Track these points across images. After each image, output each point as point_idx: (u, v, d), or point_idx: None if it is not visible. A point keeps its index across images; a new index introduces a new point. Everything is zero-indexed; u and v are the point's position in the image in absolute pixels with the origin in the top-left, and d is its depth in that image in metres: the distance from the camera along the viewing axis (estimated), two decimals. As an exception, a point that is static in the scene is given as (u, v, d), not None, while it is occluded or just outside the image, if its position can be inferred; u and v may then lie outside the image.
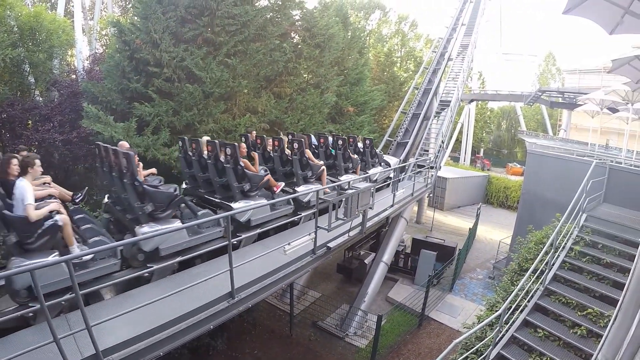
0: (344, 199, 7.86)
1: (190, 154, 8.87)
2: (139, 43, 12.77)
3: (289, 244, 7.52)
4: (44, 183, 6.45)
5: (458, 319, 13.32)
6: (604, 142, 27.59)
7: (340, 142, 11.39)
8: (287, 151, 9.95)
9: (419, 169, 16.45)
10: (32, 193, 5.06)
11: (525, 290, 7.45)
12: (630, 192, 11.08)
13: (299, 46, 17.50)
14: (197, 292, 5.50)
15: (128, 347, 4.51)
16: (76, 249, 5.37)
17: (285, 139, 10.38)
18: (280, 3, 16.21)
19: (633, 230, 8.60)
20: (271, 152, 10.12)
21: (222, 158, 8.03)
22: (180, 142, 9.27)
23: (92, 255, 5.30)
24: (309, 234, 7.85)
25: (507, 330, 7.10)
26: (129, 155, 6.34)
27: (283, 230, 8.64)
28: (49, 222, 5.11)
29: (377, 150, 14.95)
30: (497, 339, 6.76)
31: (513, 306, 7.04)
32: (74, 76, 17.73)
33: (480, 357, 6.64)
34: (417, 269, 16.23)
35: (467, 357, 6.75)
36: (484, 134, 57.57)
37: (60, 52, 17.09)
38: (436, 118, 21.72)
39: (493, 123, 59.77)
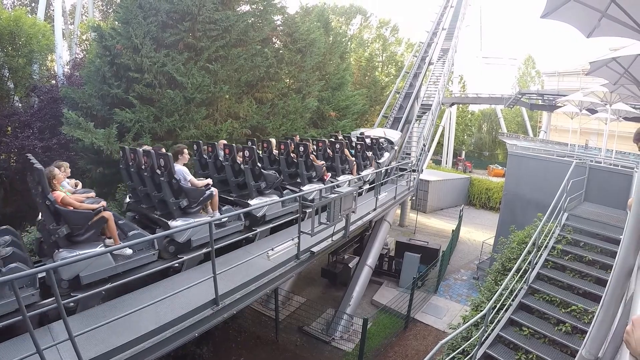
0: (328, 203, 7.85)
1: (130, 164, 8.18)
2: (120, 48, 12.60)
3: (272, 249, 7.46)
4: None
5: (444, 320, 13.39)
6: (583, 143, 28.21)
7: (301, 148, 10.55)
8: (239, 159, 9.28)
9: (402, 172, 16.51)
10: None
11: (509, 290, 7.51)
12: (609, 191, 11.36)
13: (281, 51, 17.48)
14: (181, 300, 5.42)
15: (112, 358, 4.41)
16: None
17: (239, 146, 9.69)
18: (262, 8, 16.18)
19: (614, 228, 8.75)
20: (223, 160, 9.36)
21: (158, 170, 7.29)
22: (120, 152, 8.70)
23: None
24: (292, 239, 7.80)
25: (492, 330, 7.15)
26: (167, 155, 6.68)
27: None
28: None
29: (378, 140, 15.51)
30: (483, 339, 6.81)
31: (498, 305, 7.09)
32: (53, 82, 17.44)
33: (467, 357, 6.67)
34: (401, 271, 16.25)
35: (453, 357, 6.78)
36: (465, 137, 58.39)
37: (40, 57, 16.81)
38: (418, 122, 21.91)
39: (474, 126, 60.64)
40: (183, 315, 5.24)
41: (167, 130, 12.94)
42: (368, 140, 15.74)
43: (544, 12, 5.11)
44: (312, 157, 10.05)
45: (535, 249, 8.05)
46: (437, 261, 16.50)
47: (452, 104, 43.28)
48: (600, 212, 10.15)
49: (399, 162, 17.73)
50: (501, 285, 7.34)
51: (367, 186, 13.12)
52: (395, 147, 17.43)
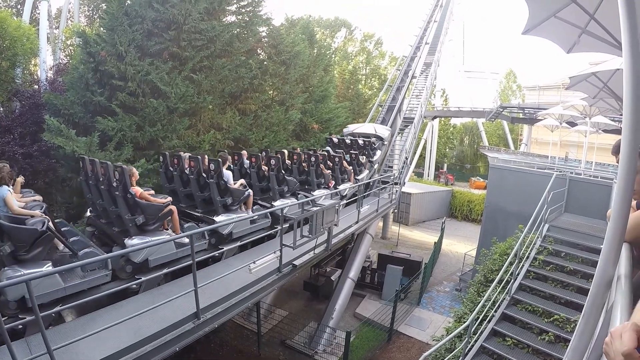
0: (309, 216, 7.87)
1: (90, 175, 7.92)
2: (104, 55, 12.44)
3: (254, 262, 7.40)
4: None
5: (427, 332, 13.37)
6: (563, 155, 28.78)
7: (273, 161, 10.40)
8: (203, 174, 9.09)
9: (384, 185, 16.59)
10: None
11: (492, 301, 7.58)
12: (589, 202, 11.69)
13: (265, 63, 17.51)
14: (162, 313, 5.31)
15: (90, 372, 4.27)
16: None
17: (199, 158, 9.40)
18: (248, 19, 16.24)
19: (594, 238, 8.97)
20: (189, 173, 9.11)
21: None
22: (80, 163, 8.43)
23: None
24: (274, 252, 7.74)
25: (476, 341, 7.18)
26: (123, 168, 6.29)
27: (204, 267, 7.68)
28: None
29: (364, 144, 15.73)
30: (467, 350, 6.82)
31: (481, 317, 7.14)
32: (36, 86, 17.07)
33: (451, 369, 6.66)
34: (384, 284, 16.24)
35: (437, 369, 6.76)
36: (447, 150, 59.15)
37: (23, 61, 16.53)
38: (400, 135, 22.09)
39: (456, 139, 61.53)
40: (164, 329, 5.14)
41: (149, 140, 12.77)
42: (361, 142, 16.35)
43: (525, 28, 5.22)
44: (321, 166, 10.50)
45: (517, 260, 8.16)
46: (420, 273, 16.53)
47: (435, 117, 43.91)
48: (581, 223, 10.40)
49: (381, 175, 17.84)
50: (484, 296, 7.39)
51: (344, 201, 12.93)
52: (385, 143, 17.93)
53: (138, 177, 7.14)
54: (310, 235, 8.01)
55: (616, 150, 4.07)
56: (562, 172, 12.98)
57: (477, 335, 7.26)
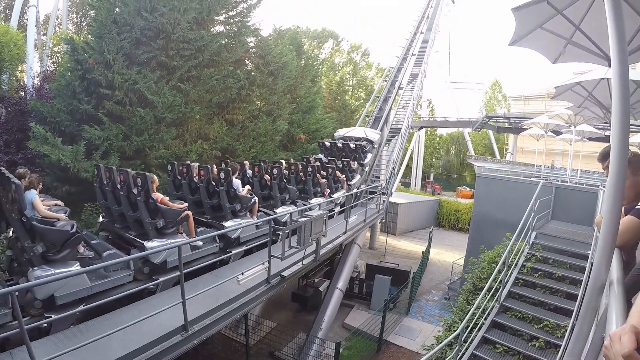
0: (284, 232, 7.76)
1: (105, 183, 8.16)
2: (92, 63, 12.36)
3: (242, 273, 7.31)
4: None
5: (417, 341, 13.33)
6: (549, 163, 29.20)
7: (275, 171, 10.84)
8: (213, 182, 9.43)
9: (371, 196, 16.63)
10: None
11: (481, 309, 7.60)
12: (576, 209, 11.92)
13: (252, 73, 17.53)
14: (149, 326, 5.19)
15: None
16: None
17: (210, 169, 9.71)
18: (236, 29, 16.28)
19: (581, 244, 9.13)
20: (198, 182, 9.44)
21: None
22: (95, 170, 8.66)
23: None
24: (263, 263, 7.67)
25: (466, 349, 7.17)
26: (17, 185, 5.74)
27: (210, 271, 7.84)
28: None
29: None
30: (458, 358, 6.80)
31: (471, 325, 7.14)
32: (22, 93, 16.82)
33: (443, 378, 6.64)
34: (372, 294, 16.20)
35: (429, 378, 6.72)
36: (434, 160, 59.64)
37: (10, 67, 16.33)
38: (387, 145, 22.19)
39: (442, 149, 62.11)
40: (152, 341, 5.04)
41: (136, 150, 12.66)
42: (352, 145, 16.58)
43: (512, 39, 5.29)
44: (317, 176, 10.62)
45: (505, 268, 8.22)
46: (408, 283, 16.52)
47: (421, 128, 44.23)
48: (568, 230, 10.59)
49: (368, 185, 17.88)
50: (473, 304, 7.41)
51: (338, 208, 13.14)
52: (376, 146, 18.22)
53: (158, 183, 7.45)
54: (298, 246, 7.97)
55: (602, 158, 4.15)
56: (549, 180, 13.17)
57: (467, 344, 7.25)
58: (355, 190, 14.59)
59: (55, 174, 11.79)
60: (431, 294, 18.10)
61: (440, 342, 7.09)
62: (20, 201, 5.49)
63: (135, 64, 12.95)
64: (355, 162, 15.93)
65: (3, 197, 6.84)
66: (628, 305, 1.88)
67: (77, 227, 5.88)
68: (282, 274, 7.96)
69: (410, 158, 46.71)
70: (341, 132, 19.66)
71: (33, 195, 5.94)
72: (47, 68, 22.01)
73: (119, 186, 7.55)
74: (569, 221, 11.65)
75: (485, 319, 7.77)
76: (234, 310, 6.56)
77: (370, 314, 14.63)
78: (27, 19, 24.75)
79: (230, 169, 8.87)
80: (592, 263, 7.45)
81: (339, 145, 17.67)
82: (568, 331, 6.68)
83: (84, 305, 5.35)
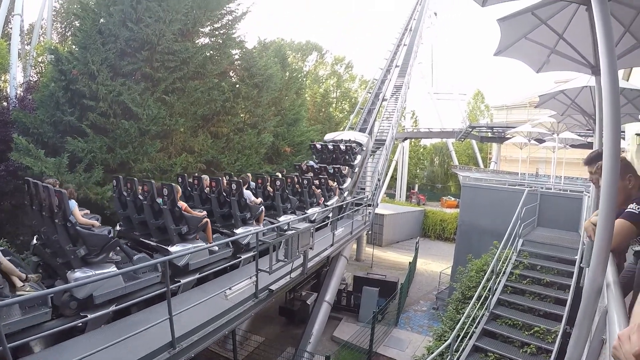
0: (284, 240, 7.83)
1: (125, 194, 8.43)
2: (76, 73, 12.19)
3: (230, 288, 7.23)
4: None
5: (407, 352, 13.27)
6: (533, 171, 29.60)
7: (278, 182, 11.30)
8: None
9: (357, 207, 16.64)
10: None
11: (471, 318, 7.59)
12: (561, 215, 12.14)
13: (237, 86, 17.50)
14: (135, 343, 5.02)
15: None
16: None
17: (224, 179, 10.21)
18: (221, 42, 16.27)
19: (567, 249, 9.28)
20: (208, 193, 9.85)
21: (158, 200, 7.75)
22: (114, 182, 8.90)
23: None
24: (250, 277, 7.58)
25: (458, 358, 7.14)
26: (62, 193, 5.96)
27: (223, 274, 8.26)
28: None
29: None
30: (449, 368, 6.76)
31: (461, 334, 7.11)
32: (5, 104, 16.45)
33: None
34: (360, 306, 16.13)
35: (421, 389, 6.68)
36: (418, 170, 60.08)
37: (-7, 76, 15.92)
38: (372, 157, 22.29)
39: (426, 159, 62.62)
40: (139, 359, 4.89)
41: (120, 163, 12.48)
42: (343, 147, 17.31)
43: (497, 50, 5.36)
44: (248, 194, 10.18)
45: (494, 276, 8.25)
46: (396, 294, 16.49)
47: (405, 139, 44.62)
48: (554, 236, 10.74)
49: (354, 197, 17.90)
50: (463, 313, 7.41)
51: (332, 215, 13.29)
52: (364, 149, 18.62)
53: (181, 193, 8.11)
54: (286, 260, 7.93)
55: (589, 162, 4.22)
56: (533, 188, 13.36)
57: (459, 353, 7.24)
58: (346, 196, 14.66)
59: (37, 187, 11.52)
60: (419, 304, 18.08)
61: (432, 353, 7.06)
62: (65, 208, 5.88)
63: (119, 75, 12.83)
64: (346, 167, 16.19)
65: (34, 205, 7.08)
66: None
67: (113, 231, 6.60)
68: (270, 287, 7.86)
69: (395, 169, 46.98)
70: (330, 136, 19.99)
71: (73, 204, 6.37)
72: (31, 78, 21.63)
73: (140, 196, 7.97)
74: (555, 227, 11.84)
75: (476, 327, 7.78)
76: (223, 325, 6.44)
77: (359, 326, 14.55)
78: (11, 28, 24.36)
79: (241, 180, 9.53)
80: (580, 268, 7.63)
81: (330, 147, 17.97)
82: (559, 336, 6.72)
83: (115, 306, 5.64)
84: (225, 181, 9.77)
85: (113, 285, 5.85)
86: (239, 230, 8.99)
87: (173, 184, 7.73)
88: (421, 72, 46.23)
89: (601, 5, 2.48)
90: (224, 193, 9.49)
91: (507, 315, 7.94)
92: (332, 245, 11.81)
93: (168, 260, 5.57)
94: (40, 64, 26.71)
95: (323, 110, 33.15)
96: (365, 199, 17.55)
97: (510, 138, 24.30)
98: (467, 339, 7.47)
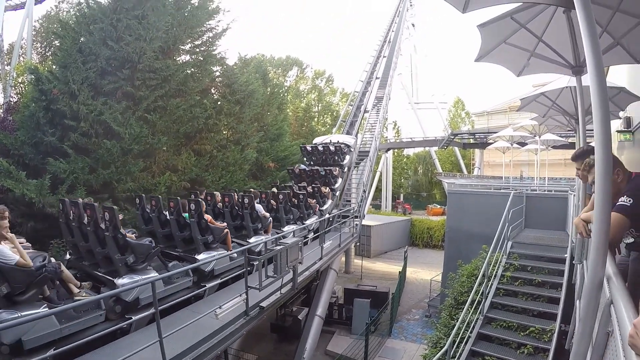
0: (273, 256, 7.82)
1: (148, 210, 9.01)
2: (56, 93, 11.98)
3: (220, 307, 7.07)
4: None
5: (402, 362, 13.19)
6: (516, 175, 30.03)
7: (281, 196, 11.85)
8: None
9: (344, 220, 16.61)
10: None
11: (466, 322, 7.57)
12: (547, 215, 12.38)
13: (219, 102, 17.43)
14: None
15: None
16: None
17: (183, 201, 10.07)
18: (202, 59, 16.23)
19: (556, 248, 9.45)
20: (221, 207, 10.67)
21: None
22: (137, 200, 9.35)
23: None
24: (240, 295, 7.45)
25: (455, 364, 7.09)
26: (113, 209, 6.69)
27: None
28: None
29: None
30: (448, 374, 6.71)
31: (457, 339, 7.09)
32: None
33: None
34: (352, 318, 16.03)
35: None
36: (402, 180, 60.52)
37: (-28, 98, 15.51)
38: (356, 169, 22.34)
39: (410, 169, 63.16)
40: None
41: (103, 183, 12.22)
42: (332, 148, 18.11)
43: (478, 55, 5.46)
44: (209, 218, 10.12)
45: (485, 280, 8.26)
46: (388, 304, 16.42)
47: (388, 150, 44.97)
48: (542, 236, 10.92)
49: (340, 210, 17.87)
50: (457, 319, 7.41)
51: (312, 235, 13.30)
52: (352, 150, 19.39)
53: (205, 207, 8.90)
54: (275, 275, 7.84)
55: (576, 158, 4.28)
56: (519, 190, 13.54)
57: (456, 359, 7.19)
58: (327, 216, 14.60)
59: (19, 209, 11.18)
60: (412, 313, 18.04)
61: (429, 360, 7.03)
62: (116, 222, 6.51)
63: (100, 95, 12.63)
64: (337, 168, 16.61)
65: (74, 222, 7.51)
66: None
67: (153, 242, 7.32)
68: (261, 304, 7.74)
69: (380, 180, 47.23)
70: (318, 139, 20.34)
71: None
72: (11, 99, 21.19)
73: (166, 212, 8.79)
74: (542, 228, 12.03)
75: (471, 332, 7.75)
76: (214, 345, 6.28)
77: (353, 339, 14.42)
78: (-9, 48, 24.03)
79: (252, 195, 10.55)
80: (571, 265, 7.70)
81: (320, 148, 18.62)
82: (555, 333, 6.74)
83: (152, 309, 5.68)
84: (236, 196, 10.62)
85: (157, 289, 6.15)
86: (252, 240, 9.78)
87: (199, 199, 8.67)
88: (401, 82, 46.93)
89: (584, 3, 2.52)
90: (236, 207, 10.41)
91: (501, 318, 7.96)
92: (321, 258, 11.76)
93: (197, 266, 6.96)
94: (21, 85, 26.26)
95: (305, 124, 33.26)
96: (352, 211, 17.55)
97: (493, 143, 24.64)
98: (463, 344, 7.44)
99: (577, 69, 5.10)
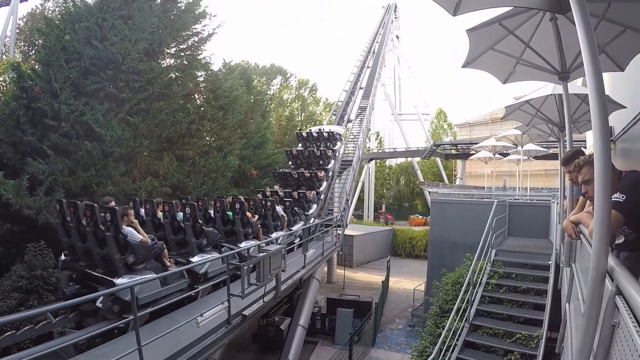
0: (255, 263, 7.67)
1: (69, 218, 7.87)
2: (38, 91, 11.72)
3: (201, 315, 6.85)
4: None
5: (386, 372, 13.07)
6: (498, 185, 30.38)
7: (237, 205, 11.06)
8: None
9: (326, 229, 16.54)
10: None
11: (452, 330, 7.53)
12: (530, 223, 12.53)
13: (202, 108, 17.30)
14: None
15: None
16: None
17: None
18: (187, 63, 16.08)
19: (540, 255, 9.54)
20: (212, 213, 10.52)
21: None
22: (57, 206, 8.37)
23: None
24: (222, 303, 7.26)
25: (442, 372, 7.02)
26: (114, 209, 6.81)
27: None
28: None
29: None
30: (434, 382, 6.62)
31: (444, 348, 7.03)
32: None
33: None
34: (335, 328, 15.91)
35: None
36: (385, 190, 60.79)
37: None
38: (338, 178, 22.32)
39: (392, 179, 63.54)
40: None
41: (82, 186, 11.90)
42: (325, 134, 19.62)
43: (465, 61, 5.47)
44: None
45: (470, 288, 8.26)
46: (371, 314, 16.33)
47: (371, 160, 45.13)
48: (525, 244, 11.02)
49: (323, 219, 17.80)
50: (442, 327, 7.38)
51: (298, 240, 13.26)
52: (342, 138, 20.89)
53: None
54: (258, 283, 7.68)
55: (565, 162, 4.32)
56: (502, 200, 13.69)
57: (443, 367, 7.13)
58: (312, 221, 14.53)
59: (-5, 209, 10.81)
60: (395, 322, 17.97)
61: (416, 369, 6.96)
62: (118, 223, 6.69)
63: (83, 95, 12.37)
64: (312, 192, 16.08)
65: (72, 222, 7.47)
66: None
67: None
68: (243, 313, 7.59)
69: (362, 190, 47.35)
70: (314, 128, 21.63)
71: (180, 215, 8.80)
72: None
73: (84, 222, 7.36)
74: (525, 236, 12.16)
75: (457, 340, 7.73)
76: (195, 355, 6.06)
77: (336, 349, 14.26)
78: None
79: (244, 201, 10.75)
80: (556, 272, 7.74)
81: (314, 134, 20.13)
82: (543, 339, 6.74)
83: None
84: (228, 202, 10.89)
85: (152, 289, 6.71)
86: (242, 245, 9.74)
87: (241, 198, 10.41)
88: (385, 93, 47.36)
89: (580, 4, 2.52)
90: (227, 212, 10.53)
91: (487, 325, 7.97)
92: (304, 267, 11.70)
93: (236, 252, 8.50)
94: (2, 83, 25.63)
95: (288, 133, 33.20)
96: (334, 220, 17.48)
97: (475, 154, 24.93)
98: (449, 352, 7.39)
99: (564, 75, 5.16)
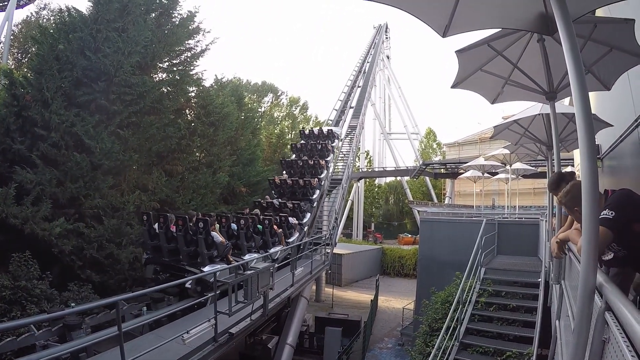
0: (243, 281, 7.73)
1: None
2: (29, 99, 11.58)
3: (187, 332, 6.73)
4: None
5: (375, 391, 12.89)
6: (487, 204, 30.60)
7: (242, 221, 11.56)
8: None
9: (315, 247, 16.48)
10: None
11: (442, 349, 7.48)
12: (518, 241, 12.67)
13: (193, 124, 17.24)
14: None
15: None
16: None
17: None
18: (179, 78, 16.08)
19: (529, 273, 9.58)
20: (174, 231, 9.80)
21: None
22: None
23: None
24: (209, 320, 7.16)
25: (432, 391, 6.95)
26: (207, 221, 9.18)
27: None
28: None
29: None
30: (426, 401, 6.57)
31: (435, 367, 6.97)
32: None
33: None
34: (324, 347, 15.71)
35: None
36: (374, 209, 60.77)
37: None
38: (328, 197, 22.32)
39: (381, 198, 63.64)
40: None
41: (70, 198, 11.69)
42: (325, 132, 22.11)
43: (454, 82, 5.55)
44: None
45: (460, 306, 8.25)
46: (360, 333, 16.19)
47: (360, 179, 45.31)
48: (514, 262, 11.07)
49: (312, 237, 17.73)
50: (432, 346, 7.33)
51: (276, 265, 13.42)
52: (341, 138, 23.21)
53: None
54: (246, 301, 7.63)
55: (554, 188, 4.35)
56: (491, 218, 13.79)
57: (433, 386, 7.05)
58: (298, 236, 14.48)
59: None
60: (384, 341, 17.84)
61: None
62: (208, 229, 9.12)
63: (74, 106, 12.22)
64: (315, 179, 17.34)
65: (162, 228, 9.48)
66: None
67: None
68: (230, 330, 7.52)
69: (351, 209, 47.35)
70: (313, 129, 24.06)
71: (234, 226, 11.06)
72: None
73: (242, 222, 11.04)
74: (514, 254, 12.25)
75: (447, 358, 7.68)
76: (181, 373, 5.93)
77: (324, 368, 14.07)
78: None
79: (254, 217, 11.95)
80: (545, 289, 7.76)
81: (315, 132, 22.66)
82: (534, 357, 6.71)
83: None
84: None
85: (224, 275, 8.04)
86: (245, 257, 10.73)
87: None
88: (375, 112, 47.83)
89: (566, 26, 2.59)
90: (190, 232, 10.10)
91: (477, 344, 7.95)
92: (292, 285, 11.68)
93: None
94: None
95: (279, 150, 33.15)
96: (323, 238, 17.42)
97: (464, 173, 25.18)
98: (440, 371, 7.34)
99: (551, 95, 5.24)
